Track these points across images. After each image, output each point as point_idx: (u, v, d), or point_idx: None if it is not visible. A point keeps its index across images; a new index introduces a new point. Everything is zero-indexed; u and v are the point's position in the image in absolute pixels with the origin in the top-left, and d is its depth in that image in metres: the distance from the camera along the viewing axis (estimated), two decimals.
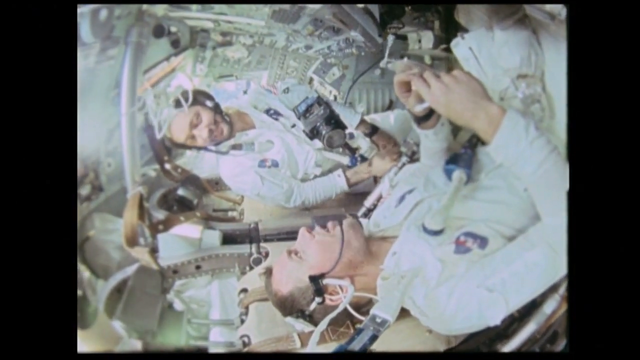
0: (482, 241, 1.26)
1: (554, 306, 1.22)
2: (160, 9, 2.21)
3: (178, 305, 1.98)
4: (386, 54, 2.14)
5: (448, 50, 2.02)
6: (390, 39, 2.18)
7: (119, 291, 1.76)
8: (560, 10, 1.13)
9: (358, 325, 1.21)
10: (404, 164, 1.94)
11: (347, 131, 2.23)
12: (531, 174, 1.12)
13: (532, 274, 1.14)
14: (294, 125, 2.66)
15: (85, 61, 1.81)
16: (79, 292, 1.02)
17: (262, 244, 2.21)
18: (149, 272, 1.90)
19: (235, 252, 2.18)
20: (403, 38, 2.86)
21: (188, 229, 2.21)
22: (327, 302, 1.42)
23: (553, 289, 1.20)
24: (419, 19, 2.38)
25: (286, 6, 1.94)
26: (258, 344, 1.52)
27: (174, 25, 2.71)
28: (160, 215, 2.28)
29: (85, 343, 1.08)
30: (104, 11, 1.61)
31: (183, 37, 2.91)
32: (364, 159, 2.56)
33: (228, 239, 2.27)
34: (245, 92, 3.54)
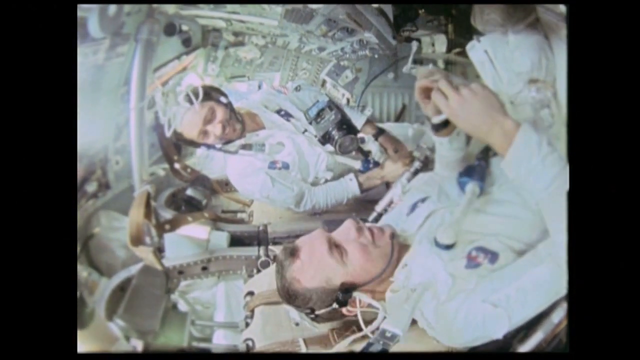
0: (493, 256, 1.25)
1: (561, 315, 1.19)
2: (171, 7, 2.20)
3: (182, 306, 1.96)
4: (410, 59, 2.14)
5: (461, 54, 2.00)
6: (415, 45, 2.16)
7: (122, 289, 1.73)
8: None
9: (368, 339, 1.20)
10: (416, 170, 1.90)
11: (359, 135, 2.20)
12: (542, 190, 1.11)
13: (537, 291, 1.13)
14: (305, 131, 2.62)
15: (94, 57, 1.80)
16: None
17: (271, 247, 2.18)
18: (154, 271, 1.87)
19: (243, 254, 2.14)
20: (416, 41, 2.82)
21: (196, 230, 2.20)
22: (344, 311, 1.40)
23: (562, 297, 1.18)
24: (432, 22, 2.35)
25: (299, 6, 1.92)
26: (262, 348, 1.50)
27: (185, 23, 2.71)
28: (167, 214, 2.26)
29: (82, 343, 1.07)
30: (112, 6, 1.59)
31: (194, 36, 2.90)
32: (376, 164, 2.51)
33: (236, 241, 2.25)
34: (259, 88, 3.52)
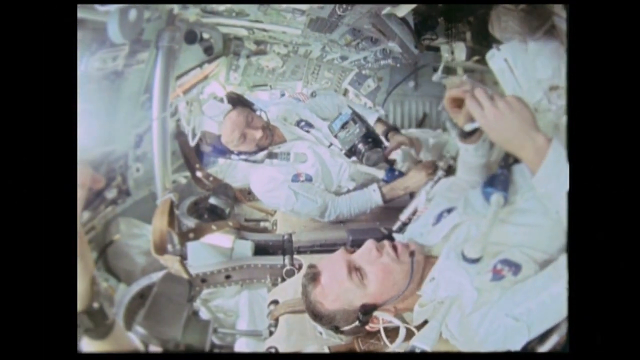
0: (516, 268, 1.26)
1: None
2: (192, 15, 2.19)
3: (204, 314, 1.93)
4: (440, 69, 2.11)
5: (480, 61, 1.97)
6: (446, 54, 2.13)
7: (141, 297, 1.71)
8: None
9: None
10: (439, 178, 1.92)
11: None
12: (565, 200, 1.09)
13: (555, 305, 1.11)
14: (330, 145, 2.59)
15: (114, 63, 1.80)
16: (96, 305, 0.98)
17: (296, 256, 2.16)
18: (177, 279, 1.84)
19: (267, 263, 2.12)
20: (435, 50, 2.79)
21: (220, 239, 2.18)
22: (367, 328, 1.42)
23: None
24: (451, 30, 2.32)
25: (324, 14, 1.89)
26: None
27: (207, 32, 2.70)
28: (190, 223, 2.24)
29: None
30: (133, 11, 1.58)
31: (216, 44, 2.91)
32: (401, 174, 2.47)
33: (260, 250, 2.23)
34: (282, 96, 3.50)
